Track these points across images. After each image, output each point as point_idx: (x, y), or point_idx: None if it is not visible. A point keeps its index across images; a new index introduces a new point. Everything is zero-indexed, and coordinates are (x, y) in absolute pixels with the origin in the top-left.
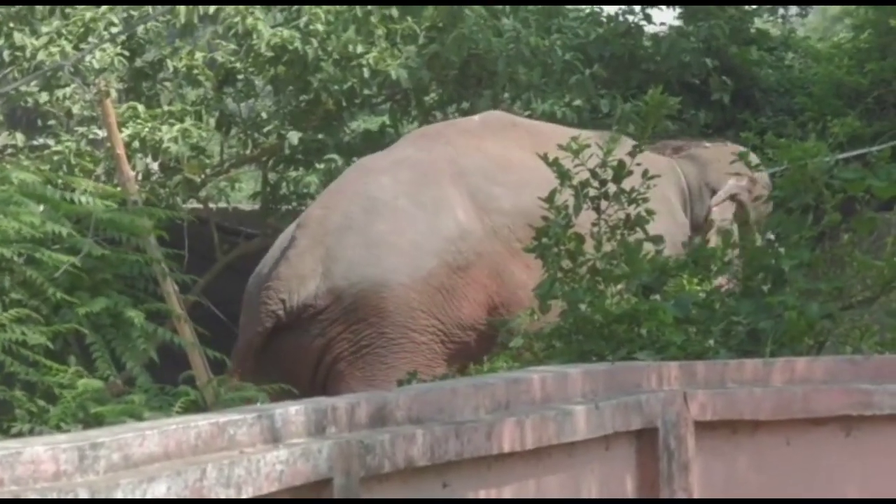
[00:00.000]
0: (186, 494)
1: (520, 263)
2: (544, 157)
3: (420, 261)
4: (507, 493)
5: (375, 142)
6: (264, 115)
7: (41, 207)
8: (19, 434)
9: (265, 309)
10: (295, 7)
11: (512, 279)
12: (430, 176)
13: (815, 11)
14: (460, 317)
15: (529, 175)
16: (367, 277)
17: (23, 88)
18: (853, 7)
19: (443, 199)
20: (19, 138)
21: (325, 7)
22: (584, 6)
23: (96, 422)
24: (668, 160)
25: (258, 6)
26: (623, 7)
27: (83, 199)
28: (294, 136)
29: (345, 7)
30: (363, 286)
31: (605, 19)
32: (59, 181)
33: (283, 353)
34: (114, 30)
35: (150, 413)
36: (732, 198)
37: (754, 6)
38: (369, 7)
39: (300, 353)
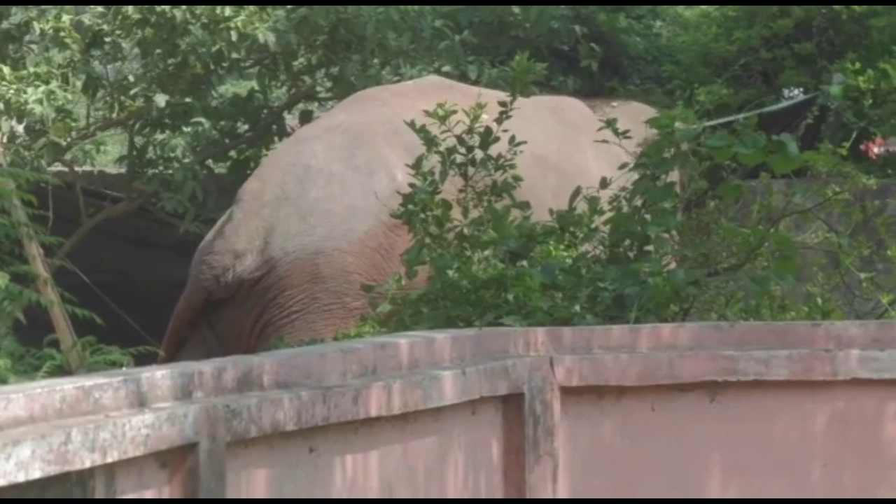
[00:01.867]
0: (51, 458)
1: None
2: (411, 124)
3: (355, 223)
4: (373, 458)
5: (243, 106)
6: (131, 78)
7: None
8: None
9: (198, 284)
10: None
11: None
12: (363, 138)
13: None
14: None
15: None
16: (302, 246)
17: None
18: None
19: (377, 160)
20: None
21: None
22: None
23: None
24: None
25: None
26: None
27: None
28: (161, 100)
29: None
30: (298, 255)
31: None
32: None
33: (221, 323)
34: None
35: (16, 377)
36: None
37: None
38: None
39: (234, 325)
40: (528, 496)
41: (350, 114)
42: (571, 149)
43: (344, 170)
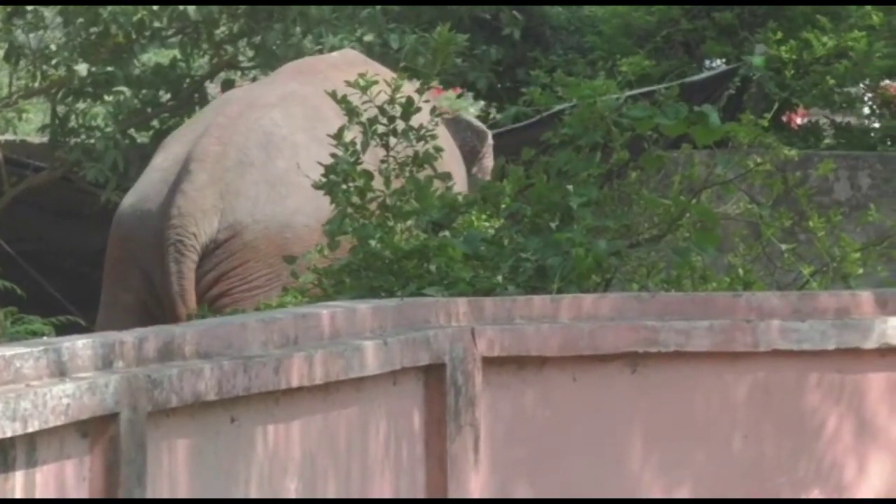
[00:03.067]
0: None
1: None
2: (332, 94)
3: (324, 201)
4: (295, 428)
5: (165, 75)
6: (53, 46)
7: None
8: None
9: (183, 245)
10: None
11: None
12: (321, 111)
13: None
14: None
15: None
16: (271, 216)
17: None
18: None
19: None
20: None
21: None
22: None
23: None
24: None
25: None
26: None
27: None
28: (83, 69)
29: None
30: (267, 224)
31: None
32: None
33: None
34: None
35: None
36: None
37: None
38: None
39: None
40: (449, 466)
41: (300, 84)
42: None
43: (309, 141)
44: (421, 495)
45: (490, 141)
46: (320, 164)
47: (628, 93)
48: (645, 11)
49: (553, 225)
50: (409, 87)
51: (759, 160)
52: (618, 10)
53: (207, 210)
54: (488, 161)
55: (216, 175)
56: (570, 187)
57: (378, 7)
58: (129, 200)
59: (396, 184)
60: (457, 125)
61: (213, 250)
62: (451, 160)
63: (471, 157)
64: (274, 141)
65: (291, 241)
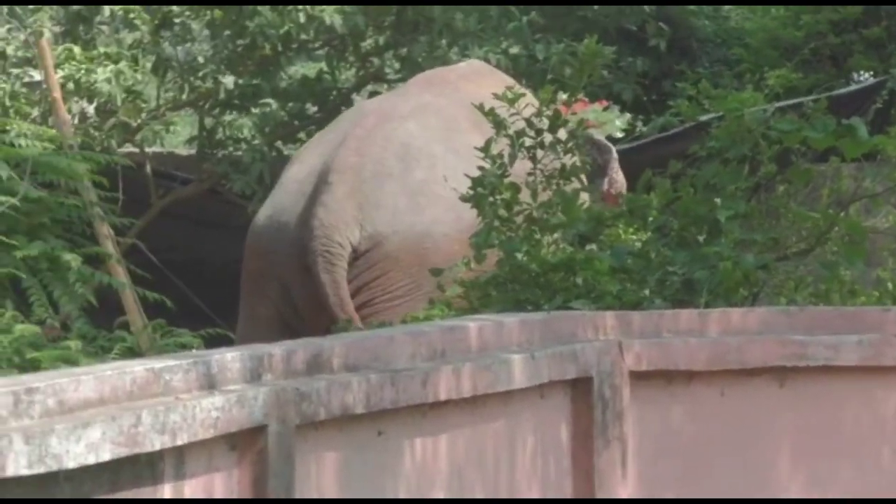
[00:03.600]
0: (121, 440)
1: None
2: (480, 107)
3: (463, 211)
4: (442, 441)
5: (311, 87)
6: (201, 59)
7: None
8: None
9: (331, 254)
10: None
11: None
12: (456, 122)
13: None
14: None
15: None
16: (410, 226)
17: None
18: None
19: (473, 147)
20: None
21: None
22: None
23: (32, 367)
24: None
25: None
26: None
27: (22, 142)
28: (230, 81)
29: None
30: (406, 234)
31: None
32: None
33: (304, 296)
34: None
35: (87, 359)
36: None
37: None
38: None
39: (322, 301)
40: (596, 481)
41: (434, 95)
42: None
43: (445, 152)
44: None
45: (615, 155)
46: (467, 175)
47: (776, 105)
48: (793, 27)
49: (700, 238)
50: (528, 98)
51: None
52: (765, 24)
53: (349, 221)
54: (618, 175)
55: (355, 186)
56: (717, 200)
57: (524, 19)
58: (265, 213)
59: (543, 196)
60: None
61: (353, 261)
62: None
63: (596, 172)
64: (411, 152)
65: (431, 251)
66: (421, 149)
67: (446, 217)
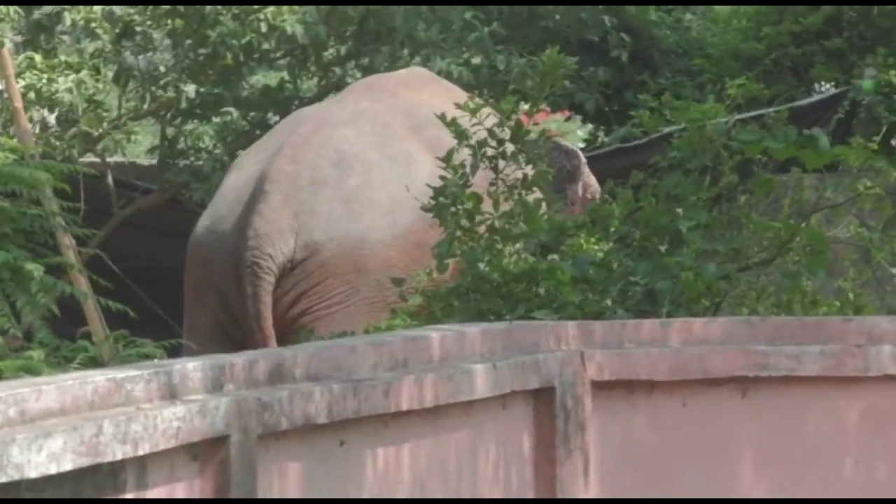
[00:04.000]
0: (83, 450)
1: None
2: (441, 117)
3: (398, 216)
4: (404, 451)
5: (273, 97)
6: (162, 68)
7: None
8: None
9: (259, 267)
10: None
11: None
12: (392, 128)
13: None
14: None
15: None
16: (345, 233)
17: None
18: None
19: (410, 153)
20: None
21: None
22: None
23: None
24: None
25: None
26: None
27: None
28: (191, 90)
29: None
30: (342, 241)
31: None
32: None
33: (243, 308)
34: None
35: (49, 369)
36: None
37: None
38: None
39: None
40: (559, 491)
41: (371, 101)
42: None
43: (381, 159)
44: None
45: (583, 159)
46: (429, 185)
47: (737, 116)
48: (754, 39)
49: (662, 248)
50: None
51: (869, 184)
52: (726, 38)
53: (283, 230)
54: (591, 179)
55: (290, 195)
56: (679, 211)
57: (486, 30)
58: (204, 222)
59: (505, 207)
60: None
61: (290, 270)
62: None
63: (565, 178)
64: (346, 158)
65: (367, 257)
66: (356, 155)
67: (381, 223)
